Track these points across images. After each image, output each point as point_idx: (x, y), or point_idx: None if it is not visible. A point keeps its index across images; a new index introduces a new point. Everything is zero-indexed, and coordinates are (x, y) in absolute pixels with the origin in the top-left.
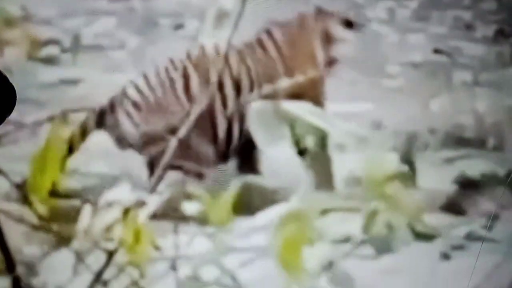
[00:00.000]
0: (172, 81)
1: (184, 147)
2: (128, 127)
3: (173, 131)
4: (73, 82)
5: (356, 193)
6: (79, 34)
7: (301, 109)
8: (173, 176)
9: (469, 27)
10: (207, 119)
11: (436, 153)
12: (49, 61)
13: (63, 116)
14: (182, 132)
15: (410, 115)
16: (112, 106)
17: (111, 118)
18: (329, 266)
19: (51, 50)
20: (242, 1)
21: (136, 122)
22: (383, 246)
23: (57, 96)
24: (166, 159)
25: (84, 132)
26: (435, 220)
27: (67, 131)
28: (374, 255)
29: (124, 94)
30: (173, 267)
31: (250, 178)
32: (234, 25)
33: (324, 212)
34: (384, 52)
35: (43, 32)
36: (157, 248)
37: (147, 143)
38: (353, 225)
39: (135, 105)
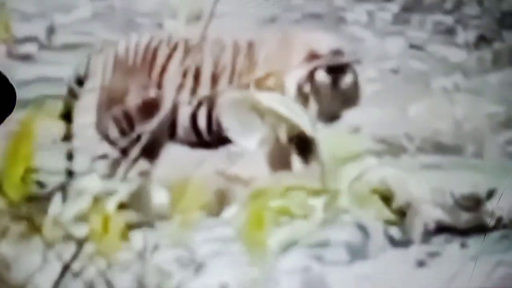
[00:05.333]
0: (154, 56)
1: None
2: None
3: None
4: (51, 80)
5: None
6: (57, 31)
7: (274, 100)
8: (142, 165)
9: (450, 32)
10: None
11: (413, 159)
12: (27, 58)
13: (39, 103)
14: (153, 125)
15: (387, 120)
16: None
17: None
18: (293, 244)
19: (29, 48)
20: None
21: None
22: (357, 252)
23: (36, 93)
24: (137, 148)
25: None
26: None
27: (42, 118)
28: (348, 260)
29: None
30: (141, 258)
31: (220, 168)
32: (207, 20)
33: (286, 191)
34: (363, 55)
35: (21, 28)
36: (125, 238)
37: (122, 133)
38: (315, 204)
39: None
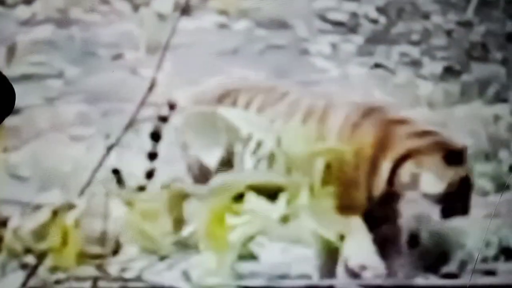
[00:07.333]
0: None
1: None
2: None
3: None
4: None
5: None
6: (16, 61)
7: (237, 116)
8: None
9: (416, 63)
10: None
11: None
12: None
13: None
14: None
15: None
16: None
17: None
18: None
19: None
20: (171, 31)
21: None
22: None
23: None
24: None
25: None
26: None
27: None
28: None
29: None
30: (101, 270)
31: (177, 182)
32: (163, 51)
33: (250, 188)
34: (325, 88)
35: None
36: (85, 254)
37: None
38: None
39: None
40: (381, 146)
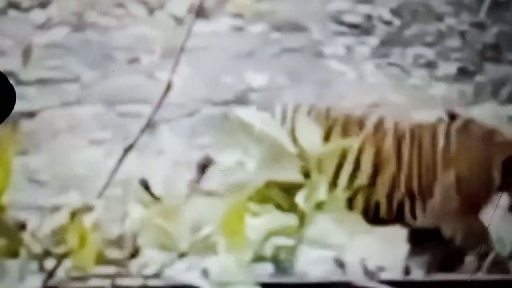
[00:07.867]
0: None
1: None
2: None
3: None
4: (29, 115)
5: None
6: (32, 65)
7: (252, 116)
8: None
9: (430, 64)
10: None
11: None
12: None
13: (14, 124)
14: None
15: None
16: None
17: None
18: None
19: None
20: (186, 34)
21: None
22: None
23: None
24: None
25: None
26: None
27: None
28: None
29: None
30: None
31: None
32: (178, 55)
33: (268, 185)
34: (341, 90)
35: None
36: (104, 256)
37: None
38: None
39: None
40: (487, 157)
